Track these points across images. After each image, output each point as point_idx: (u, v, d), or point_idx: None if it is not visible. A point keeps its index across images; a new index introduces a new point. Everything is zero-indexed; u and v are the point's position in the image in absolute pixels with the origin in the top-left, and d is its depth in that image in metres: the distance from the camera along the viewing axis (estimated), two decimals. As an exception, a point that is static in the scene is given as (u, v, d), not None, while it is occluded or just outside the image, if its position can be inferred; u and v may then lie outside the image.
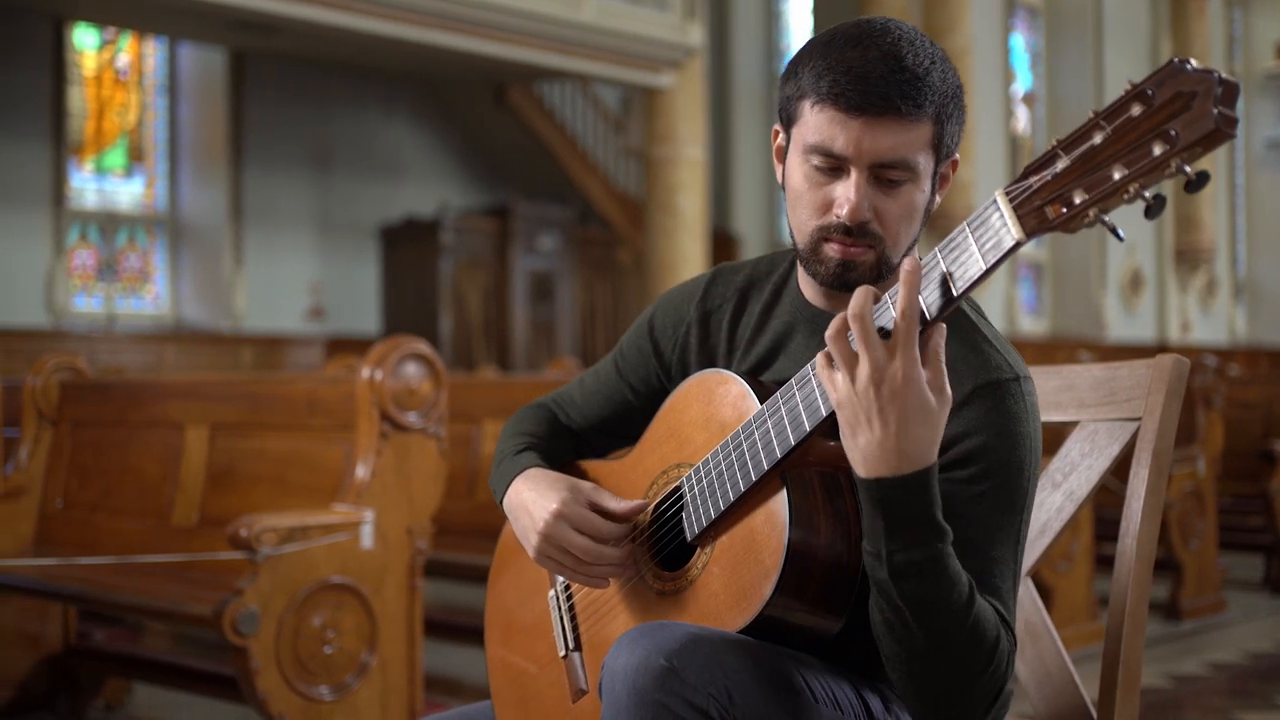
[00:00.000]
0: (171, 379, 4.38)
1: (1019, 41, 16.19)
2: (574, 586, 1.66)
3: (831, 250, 1.49)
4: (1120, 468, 1.78)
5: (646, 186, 12.40)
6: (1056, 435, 1.91)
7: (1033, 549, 1.90)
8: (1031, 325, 15.66)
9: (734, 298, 1.69)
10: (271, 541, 3.16)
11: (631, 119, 14.34)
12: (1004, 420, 1.43)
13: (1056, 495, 1.89)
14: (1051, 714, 1.83)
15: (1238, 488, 6.99)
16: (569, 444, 1.80)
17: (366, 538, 3.33)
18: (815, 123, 1.46)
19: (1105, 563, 5.09)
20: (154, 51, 13.22)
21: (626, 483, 1.65)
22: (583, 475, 1.72)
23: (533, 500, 1.61)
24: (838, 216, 1.47)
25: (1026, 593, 1.90)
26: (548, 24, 11.36)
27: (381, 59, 12.12)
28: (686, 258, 11.85)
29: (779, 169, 1.57)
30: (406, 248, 13.15)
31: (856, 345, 1.29)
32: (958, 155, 1.54)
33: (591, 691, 1.58)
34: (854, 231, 1.47)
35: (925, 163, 1.47)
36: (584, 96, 14.39)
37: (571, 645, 1.63)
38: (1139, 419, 1.77)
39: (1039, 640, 1.87)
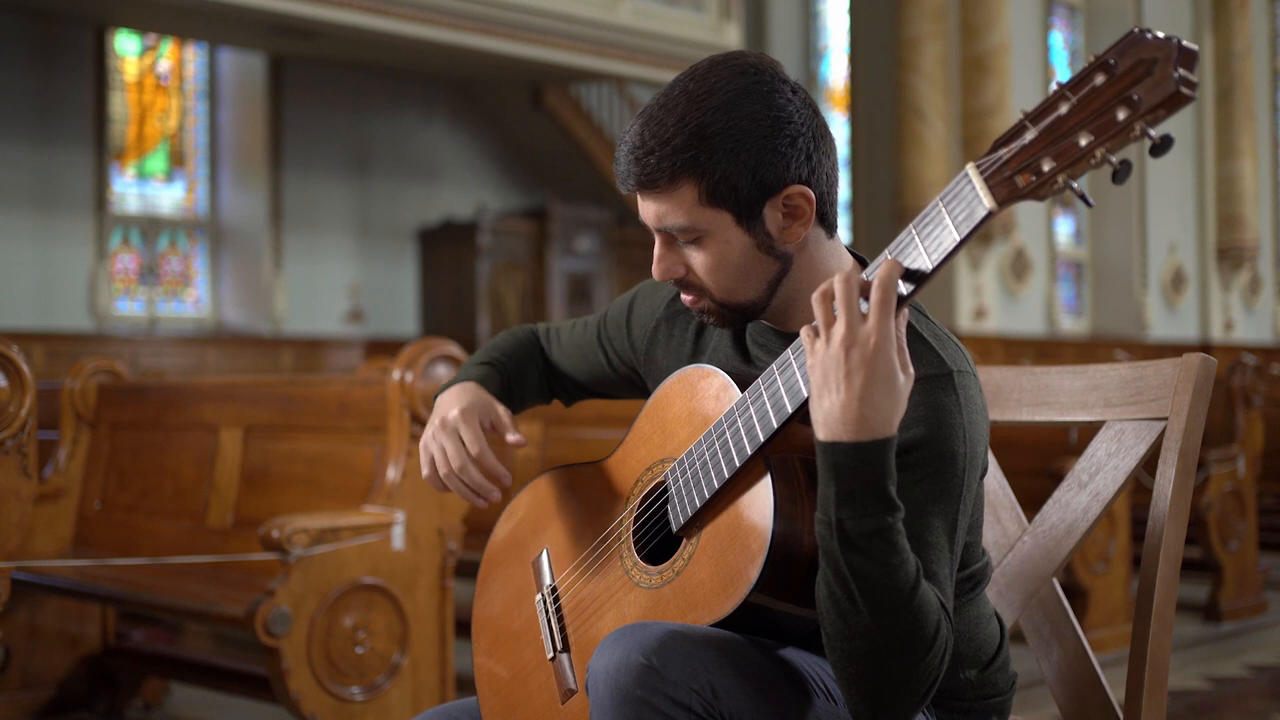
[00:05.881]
0: (206, 381, 4.41)
1: (1058, 39, 16.04)
2: (561, 588, 1.68)
3: (684, 300, 1.60)
4: (1154, 467, 1.76)
5: (683, 187, 12.37)
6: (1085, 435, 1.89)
7: (1059, 549, 1.88)
8: (1072, 325, 15.50)
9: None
10: (303, 543, 3.18)
11: (668, 120, 14.30)
12: (936, 413, 1.44)
13: (1083, 496, 1.86)
14: (1078, 715, 1.81)
15: (1279, 488, 6.91)
16: (537, 372, 1.91)
17: (397, 539, 3.35)
18: None
19: (1144, 564, 5.01)
20: (194, 57, 13.33)
21: (612, 481, 1.67)
22: (570, 478, 1.76)
23: (447, 400, 1.76)
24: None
25: (1052, 593, 1.89)
26: (584, 26, 11.38)
27: (419, 62, 12.17)
28: (723, 258, 11.80)
29: None
30: (444, 250, 13.21)
31: (837, 308, 1.32)
32: (801, 186, 1.50)
33: (580, 691, 1.58)
34: (678, 285, 1.58)
35: (710, 219, 1.51)
36: (621, 98, 14.40)
37: (560, 646, 1.63)
38: (1166, 419, 1.75)
39: (1065, 641, 1.85)
